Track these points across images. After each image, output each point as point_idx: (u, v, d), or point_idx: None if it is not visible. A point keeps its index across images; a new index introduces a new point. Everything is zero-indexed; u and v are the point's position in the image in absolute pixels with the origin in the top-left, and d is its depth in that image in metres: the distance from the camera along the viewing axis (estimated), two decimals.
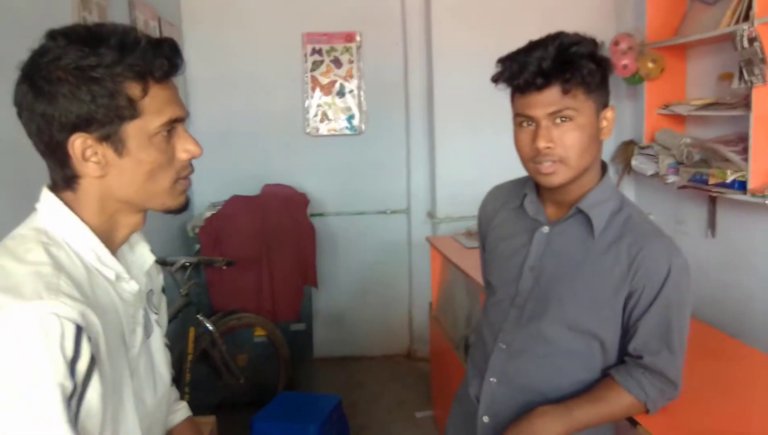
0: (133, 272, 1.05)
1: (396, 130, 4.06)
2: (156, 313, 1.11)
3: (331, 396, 2.86)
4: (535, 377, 1.32)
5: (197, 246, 3.44)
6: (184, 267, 2.85)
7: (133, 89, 0.87)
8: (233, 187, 3.74)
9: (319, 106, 4.02)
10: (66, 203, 0.92)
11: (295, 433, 2.56)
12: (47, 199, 0.93)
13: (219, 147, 3.84)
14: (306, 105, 4.01)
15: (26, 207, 0.97)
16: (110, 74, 0.86)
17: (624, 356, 1.30)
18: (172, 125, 0.93)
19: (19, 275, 0.81)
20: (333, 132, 4.05)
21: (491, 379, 1.37)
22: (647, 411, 1.29)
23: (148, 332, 1.06)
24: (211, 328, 3.00)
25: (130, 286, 0.97)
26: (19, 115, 0.89)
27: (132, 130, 0.89)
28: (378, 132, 4.05)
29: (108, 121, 0.87)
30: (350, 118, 4.05)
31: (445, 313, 3.02)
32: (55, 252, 0.87)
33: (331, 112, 4.04)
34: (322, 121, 4.04)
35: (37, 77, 0.86)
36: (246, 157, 3.98)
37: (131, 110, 0.88)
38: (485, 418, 1.38)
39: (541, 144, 1.19)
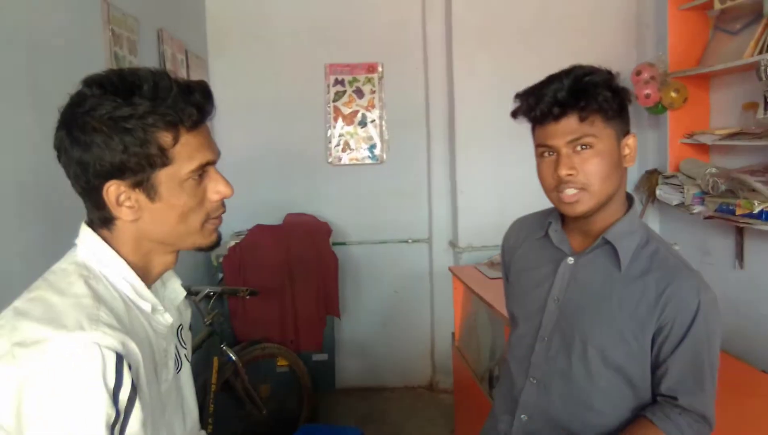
0: (165, 306, 1.07)
1: (417, 159, 4.07)
2: (185, 348, 1.13)
3: (353, 429, 2.83)
4: (565, 415, 1.30)
5: (221, 275, 3.46)
6: (207, 296, 2.87)
7: (164, 138, 0.90)
8: (256, 216, 3.77)
9: (341, 135, 4.06)
10: (104, 239, 0.95)
11: None
12: (86, 234, 0.96)
13: (243, 176, 3.85)
14: (328, 134, 4.05)
15: (62, 239, 1.00)
16: (142, 125, 0.89)
17: (657, 396, 1.27)
18: (203, 169, 0.96)
19: (61, 307, 0.84)
20: (355, 161, 4.08)
21: (522, 416, 1.35)
22: None
23: (178, 366, 1.08)
24: (234, 358, 3.00)
25: (165, 319, 1.00)
26: (58, 158, 0.93)
27: (163, 176, 0.92)
28: (399, 161, 4.07)
29: (140, 169, 0.90)
30: (372, 147, 4.08)
31: (468, 344, 2.99)
32: (94, 285, 0.90)
33: (353, 142, 4.07)
34: (344, 150, 4.07)
35: (74, 126, 0.89)
36: (269, 186, 4.01)
37: (162, 158, 0.91)
38: None
39: (563, 171, 1.20)
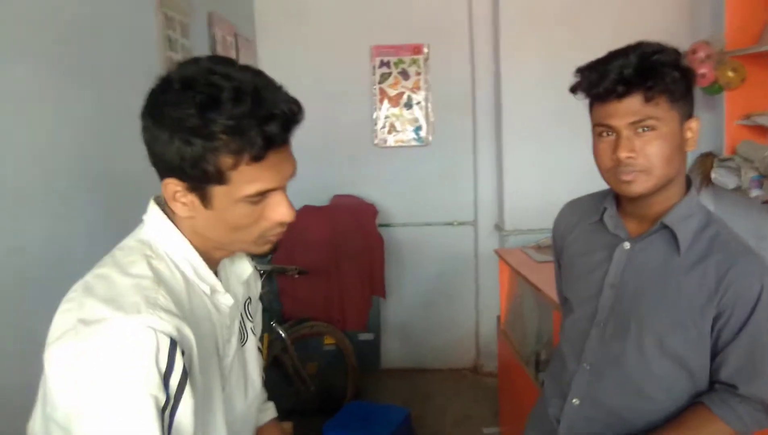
0: (231, 282, 1.09)
1: (463, 141, 4.05)
2: (251, 321, 1.15)
3: (399, 408, 2.87)
4: (618, 401, 1.29)
5: (270, 254, 3.52)
6: (259, 275, 2.93)
7: (225, 161, 0.86)
8: (304, 197, 3.81)
9: (387, 117, 4.06)
10: (171, 217, 0.97)
11: None
12: (153, 212, 0.98)
13: None
14: (374, 117, 4.06)
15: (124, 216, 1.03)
16: (204, 144, 0.85)
17: (715, 383, 1.24)
18: (263, 194, 0.91)
19: (121, 287, 0.86)
20: (400, 143, 4.08)
21: (573, 401, 1.34)
22: None
23: (242, 340, 1.10)
24: (283, 335, 3.07)
25: (225, 299, 1.01)
26: (142, 131, 0.92)
27: (218, 192, 0.89)
28: (445, 143, 4.06)
29: (195, 179, 0.88)
30: (417, 129, 4.08)
31: (514, 327, 2.99)
32: (156, 265, 0.92)
33: (398, 124, 4.07)
34: (389, 132, 4.08)
35: (149, 113, 0.89)
36: (316, 168, 4.04)
37: (218, 177, 0.88)
38: None
39: (623, 154, 1.15)
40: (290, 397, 3.24)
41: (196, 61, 0.90)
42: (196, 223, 0.95)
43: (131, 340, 0.81)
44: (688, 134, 1.21)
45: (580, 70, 1.22)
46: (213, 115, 0.84)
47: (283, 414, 1.37)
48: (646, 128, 1.15)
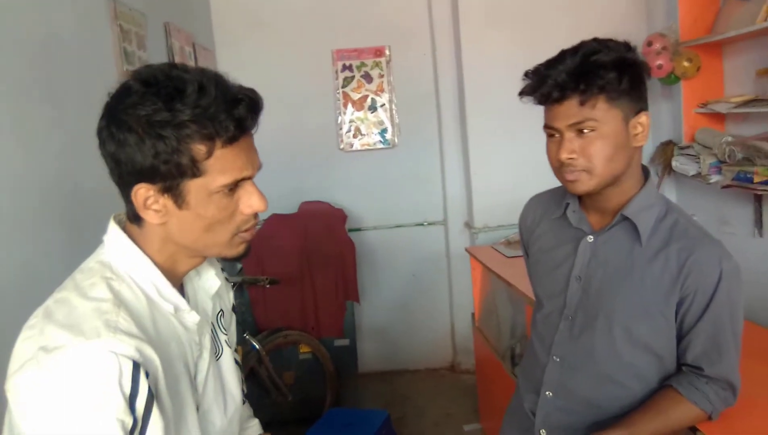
0: (199, 297, 1.07)
1: (429, 142, 4.07)
2: (225, 333, 1.13)
3: (379, 411, 2.86)
4: (590, 391, 1.31)
5: (239, 265, 3.50)
6: (230, 286, 2.90)
7: (198, 150, 0.87)
8: (271, 206, 3.68)
9: (351, 121, 4.06)
10: (132, 236, 0.95)
11: None
12: (113, 232, 0.96)
13: None
14: (339, 121, 4.05)
15: (84, 237, 1.01)
16: (177, 134, 0.85)
17: (682, 365, 1.27)
18: (236, 183, 0.92)
19: (81, 311, 0.84)
20: (367, 146, 4.09)
21: (547, 393, 1.36)
22: (709, 419, 1.27)
23: (216, 354, 1.08)
24: (257, 346, 3.04)
25: (191, 317, 0.98)
26: (99, 146, 0.91)
27: (193, 186, 0.89)
28: (411, 144, 4.07)
29: (170, 176, 0.88)
30: (383, 132, 4.08)
31: (489, 323, 3.01)
32: (116, 286, 0.89)
33: (363, 127, 4.07)
34: (355, 136, 4.08)
35: (112, 120, 0.87)
36: (282, 176, 4.02)
37: (194, 169, 0.88)
38: (542, 432, 1.37)
39: (563, 155, 1.19)
40: (269, 408, 3.21)
41: (150, 66, 0.90)
42: (169, 230, 0.93)
43: (93, 365, 0.79)
44: (638, 129, 1.21)
45: (526, 74, 1.24)
46: (180, 106, 0.85)
47: (262, 426, 1.36)
48: (586, 129, 1.18)
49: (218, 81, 0.89)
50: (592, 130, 1.17)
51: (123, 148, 0.87)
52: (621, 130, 1.19)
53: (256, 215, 0.97)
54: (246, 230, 0.96)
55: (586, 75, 1.15)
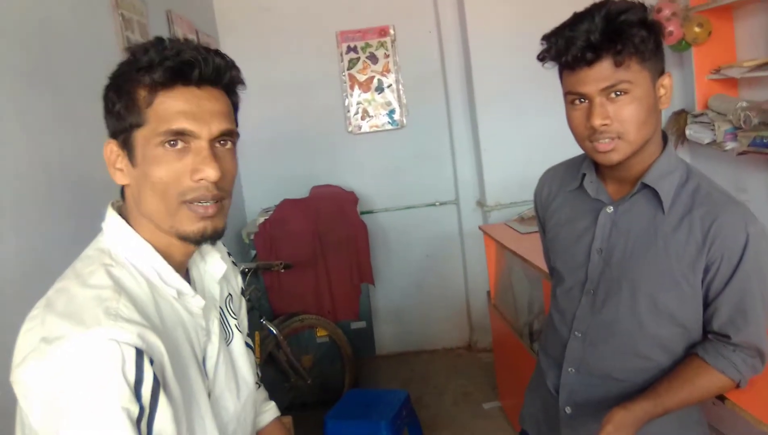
0: (206, 282, 1.06)
1: (438, 121, 4.04)
2: (235, 318, 1.11)
3: (398, 391, 2.86)
4: (614, 364, 1.28)
5: (253, 252, 3.50)
6: (243, 273, 2.91)
7: (141, 93, 0.88)
8: (282, 191, 3.79)
9: (359, 103, 4.03)
10: (127, 219, 0.94)
11: (368, 430, 2.57)
12: (110, 218, 0.95)
13: (265, 153, 3.91)
14: (346, 104, 4.03)
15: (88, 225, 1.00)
16: (125, 81, 0.89)
17: (708, 333, 1.24)
18: (178, 137, 0.88)
19: (81, 300, 0.83)
20: (375, 128, 4.06)
21: (569, 369, 1.34)
22: (737, 387, 1.24)
23: (227, 339, 1.06)
24: (275, 331, 3.05)
25: (196, 301, 0.97)
26: None
27: (139, 137, 0.89)
28: (420, 124, 4.04)
29: (121, 127, 0.90)
30: (391, 112, 4.05)
31: (505, 301, 3.00)
32: (116, 273, 0.88)
33: (371, 109, 4.04)
34: (363, 118, 4.05)
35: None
36: (292, 161, 4.02)
37: (137, 117, 0.88)
38: (567, 409, 1.35)
39: (597, 121, 1.13)
40: (288, 392, 3.23)
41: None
42: (134, 194, 0.92)
43: (94, 354, 0.77)
44: (662, 91, 1.18)
45: (546, 38, 1.18)
46: (133, 58, 0.89)
47: (282, 409, 1.35)
48: (618, 93, 1.12)
49: (182, 41, 0.91)
50: (625, 93, 1.12)
51: (105, 107, 0.93)
52: (651, 91, 1.15)
53: (209, 190, 0.89)
54: (195, 201, 0.89)
55: (620, 34, 1.09)
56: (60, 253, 1.72)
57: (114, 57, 2.21)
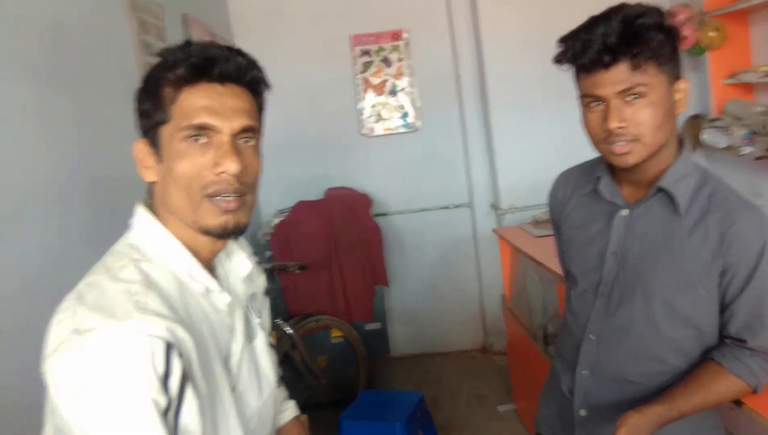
0: (231, 280, 1.07)
1: (451, 124, 4.05)
2: (259, 317, 1.13)
3: (413, 393, 2.88)
4: (629, 367, 1.28)
5: (268, 253, 3.53)
6: (262, 270, 2.93)
7: (167, 91, 0.92)
8: (297, 193, 3.81)
9: (372, 106, 4.06)
10: (156, 216, 0.96)
11: (383, 430, 2.59)
12: (140, 214, 0.97)
13: (280, 155, 3.92)
14: (359, 107, 4.05)
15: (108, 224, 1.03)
16: (153, 80, 0.93)
17: (724, 338, 1.24)
18: (201, 132, 0.91)
19: (111, 293, 0.85)
20: (389, 131, 4.08)
21: (583, 372, 1.34)
22: (754, 392, 1.23)
23: (250, 337, 1.08)
24: (290, 331, 3.07)
25: (222, 298, 0.99)
26: None
27: (165, 133, 0.92)
28: (433, 127, 4.05)
29: (150, 125, 0.93)
30: (404, 115, 4.07)
31: (519, 304, 3.00)
32: (145, 268, 0.90)
33: (385, 112, 4.06)
34: (376, 121, 4.07)
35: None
36: (306, 163, 4.05)
37: (163, 114, 0.92)
38: (582, 412, 1.35)
39: (613, 124, 1.13)
40: (303, 392, 3.25)
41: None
42: (161, 191, 0.95)
43: (125, 346, 0.80)
44: (678, 95, 1.19)
45: (563, 40, 1.18)
46: (162, 59, 0.93)
47: (297, 409, 1.37)
48: (635, 96, 1.13)
49: (212, 45, 0.94)
50: (642, 97, 1.13)
51: (137, 108, 0.96)
52: (667, 95, 1.16)
53: (231, 184, 0.92)
54: (217, 195, 0.91)
55: (637, 37, 1.10)
56: (78, 251, 1.76)
57: (130, 60, 2.28)
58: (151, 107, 0.92)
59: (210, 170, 0.90)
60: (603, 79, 1.13)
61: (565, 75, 1.25)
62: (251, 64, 0.96)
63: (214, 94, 0.91)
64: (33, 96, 1.68)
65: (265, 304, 1.20)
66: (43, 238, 1.66)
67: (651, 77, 1.13)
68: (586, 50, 1.13)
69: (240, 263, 1.09)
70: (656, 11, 1.14)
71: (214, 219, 0.92)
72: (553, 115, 3.55)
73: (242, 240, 1.12)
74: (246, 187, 0.94)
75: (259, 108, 1.00)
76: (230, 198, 0.92)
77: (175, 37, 2.82)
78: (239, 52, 0.95)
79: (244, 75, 0.95)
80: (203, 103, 0.90)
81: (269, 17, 3.96)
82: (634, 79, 1.12)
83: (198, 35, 3.13)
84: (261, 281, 1.20)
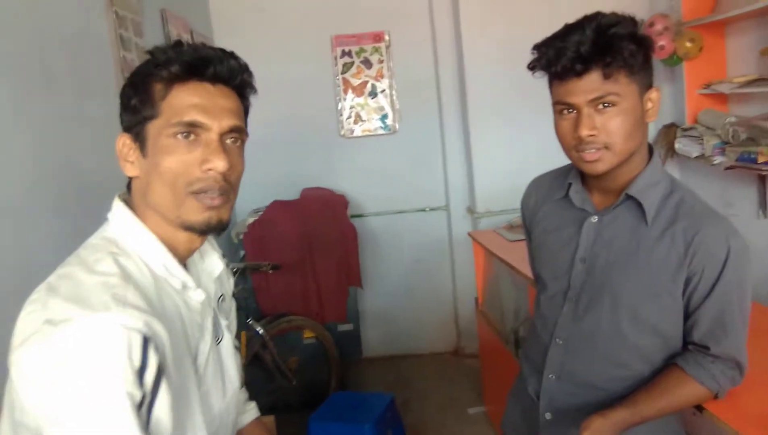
0: (203, 280, 1.07)
1: (430, 127, 4.05)
2: (226, 319, 1.13)
3: (384, 394, 2.87)
4: (593, 373, 1.30)
5: (242, 252, 3.50)
6: (232, 273, 2.91)
7: (157, 88, 0.92)
8: (273, 193, 3.79)
9: (352, 107, 4.05)
10: (134, 211, 0.96)
11: (352, 432, 2.58)
12: (117, 208, 0.97)
13: (257, 153, 3.86)
14: (339, 107, 4.04)
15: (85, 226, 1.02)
16: (144, 75, 0.93)
17: (688, 344, 1.26)
18: (190, 129, 0.91)
19: (88, 285, 0.84)
20: (367, 132, 4.07)
21: (550, 376, 1.35)
22: (715, 398, 1.25)
23: (217, 338, 1.08)
24: (261, 331, 3.05)
25: (197, 295, 0.99)
26: None
27: (152, 129, 0.93)
28: (412, 130, 4.05)
29: (136, 120, 0.93)
30: (383, 117, 4.07)
31: (492, 307, 3.01)
32: (123, 262, 0.90)
33: (364, 113, 4.06)
34: (355, 122, 4.06)
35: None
36: (283, 162, 4.02)
37: (152, 109, 0.92)
38: (547, 415, 1.36)
39: (584, 132, 1.14)
40: (273, 393, 3.23)
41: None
42: (142, 186, 0.95)
43: (102, 338, 0.79)
44: (649, 105, 1.20)
45: (538, 47, 1.19)
46: (153, 57, 0.94)
47: (266, 410, 1.37)
48: (606, 104, 1.14)
49: (203, 45, 0.96)
50: (613, 105, 1.14)
51: (121, 102, 0.97)
52: (638, 105, 1.17)
53: (217, 181, 0.93)
54: (202, 192, 0.92)
55: (609, 46, 1.11)
56: (60, 249, 1.72)
57: (107, 54, 2.24)
58: (139, 103, 0.93)
59: (197, 167, 0.92)
60: (575, 87, 1.15)
61: (543, 82, 1.25)
62: (243, 68, 0.98)
63: (205, 93, 0.93)
64: (5, 90, 1.64)
65: (232, 307, 1.21)
66: (22, 237, 1.62)
67: (622, 86, 1.14)
68: (559, 58, 1.14)
69: (213, 263, 1.11)
70: (630, 21, 1.15)
71: (198, 215, 0.93)
72: (531, 121, 3.56)
73: (214, 241, 1.13)
74: (230, 186, 0.96)
75: (245, 111, 1.02)
76: (215, 195, 0.93)
77: (152, 33, 2.78)
78: (232, 55, 0.97)
79: (235, 77, 0.97)
80: (194, 101, 0.92)
81: (250, 15, 3.93)
82: (605, 88, 1.13)
83: (177, 31, 3.09)
84: (230, 284, 1.21)
